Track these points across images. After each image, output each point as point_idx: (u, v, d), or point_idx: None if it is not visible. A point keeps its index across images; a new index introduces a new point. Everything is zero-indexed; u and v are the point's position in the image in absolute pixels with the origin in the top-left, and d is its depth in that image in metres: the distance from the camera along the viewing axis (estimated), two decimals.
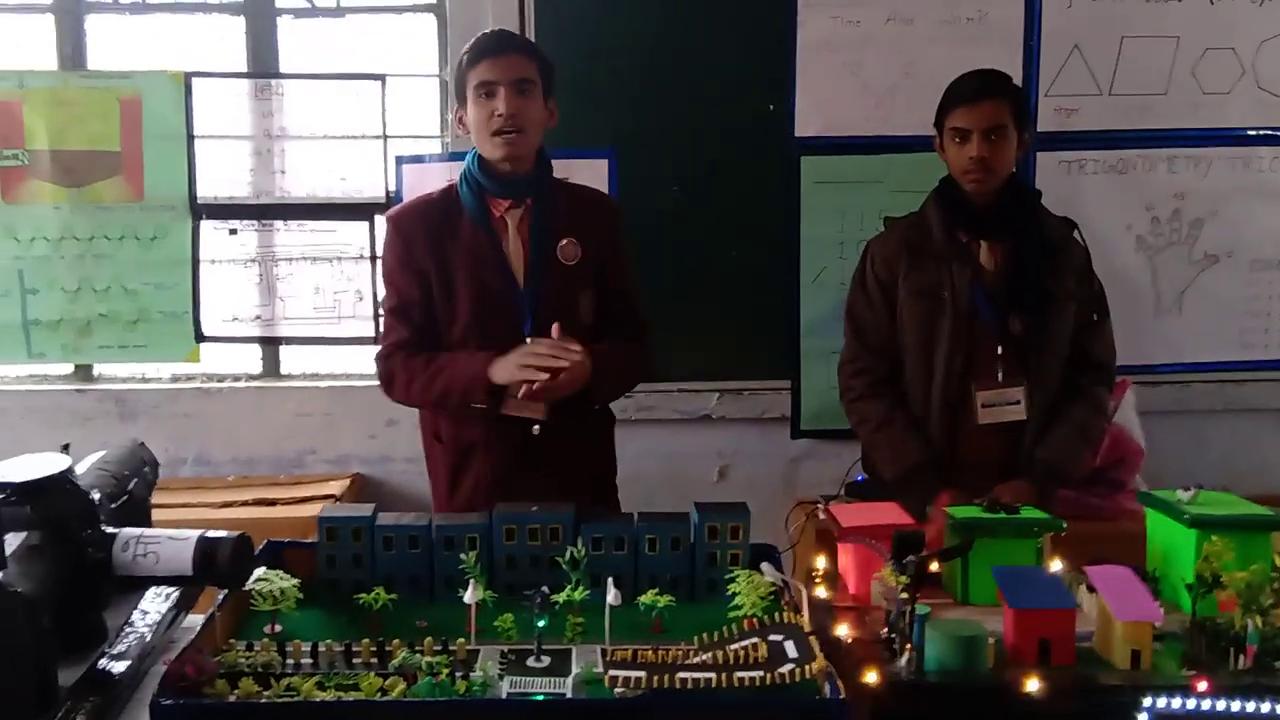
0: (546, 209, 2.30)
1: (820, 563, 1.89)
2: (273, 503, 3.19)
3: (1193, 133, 3.39)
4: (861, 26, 3.29)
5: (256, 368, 3.62)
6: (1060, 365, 2.57)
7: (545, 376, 2.14)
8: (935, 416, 2.54)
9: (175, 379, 3.58)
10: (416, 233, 2.31)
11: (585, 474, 2.34)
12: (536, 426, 2.26)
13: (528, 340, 2.22)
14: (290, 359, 3.63)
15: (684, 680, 1.42)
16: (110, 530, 1.55)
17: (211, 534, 1.55)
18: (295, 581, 1.74)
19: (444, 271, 2.29)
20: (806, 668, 1.43)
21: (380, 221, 3.43)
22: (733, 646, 1.53)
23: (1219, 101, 3.37)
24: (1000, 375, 2.51)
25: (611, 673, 1.43)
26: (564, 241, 2.29)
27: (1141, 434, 3.24)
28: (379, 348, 2.39)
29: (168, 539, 1.54)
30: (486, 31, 2.34)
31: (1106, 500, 3.11)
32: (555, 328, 2.19)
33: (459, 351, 2.28)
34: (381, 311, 2.42)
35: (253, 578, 1.70)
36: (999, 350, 2.51)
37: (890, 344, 2.60)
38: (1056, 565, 1.83)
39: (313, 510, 3.01)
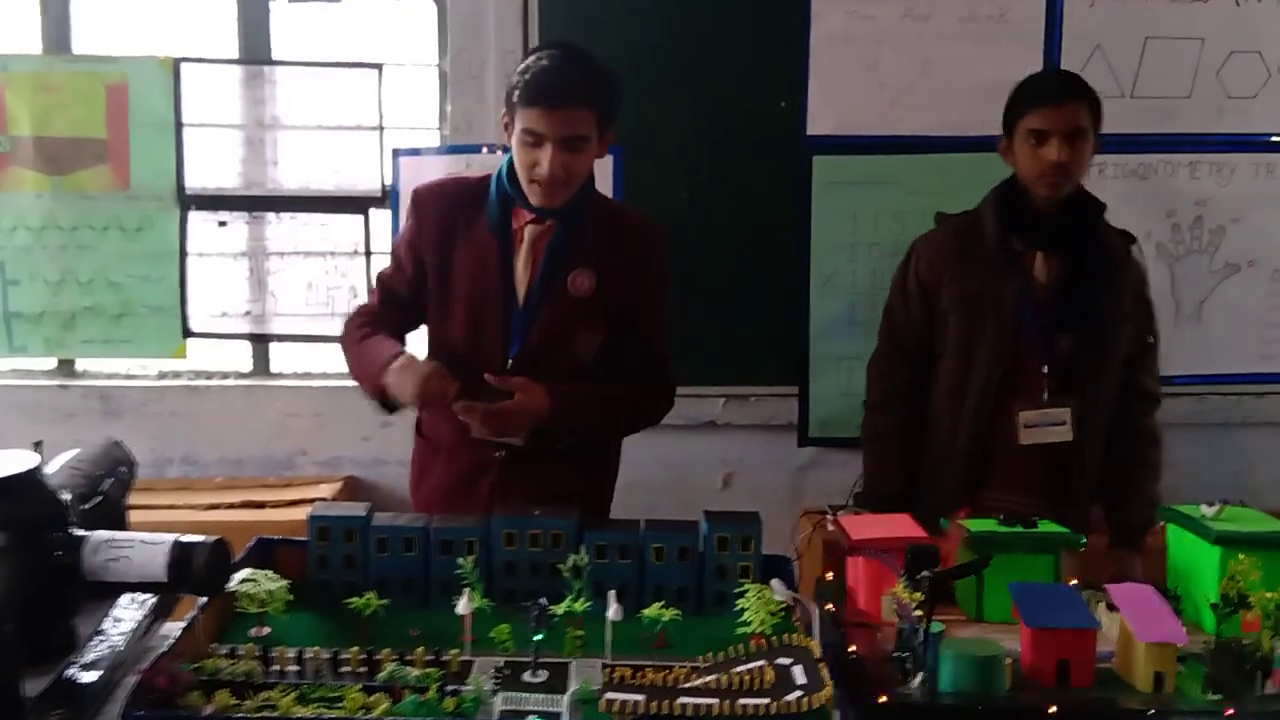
0: (572, 233, 2.14)
1: (828, 574, 1.86)
2: (261, 505, 3.15)
3: (1216, 138, 3.34)
4: (877, 22, 3.24)
5: (246, 365, 3.57)
6: (1113, 390, 2.46)
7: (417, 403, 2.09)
8: (965, 430, 2.44)
9: (161, 376, 3.53)
10: (430, 216, 2.20)
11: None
12: (501, 452, 2.15)
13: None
14: (281, 357, 3.58)
15: (684, 706, 1.36)
16: (80, 533, 1.48)
17: (186, 539, 1.47)
18: (284, 583, 1.70)
19: (444, 265, 2.18)
20: (814, 697, 1.37)
21: (375, 215, 3.42)
22: (738, 669, 1.48)
23: (1244, 106, 3.33)
24: (1045, 395, 2.39)
25: (609, 695, 1.38)
26: (576, 273, 2.14)
27: None
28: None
29: (140, 543, 1.47)
30: (547, 63, 2.04)
31: None
32: (486, 377, 2.08)
33: (383, 340, 2.14)
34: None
35: (239, 577, 1.67)
36: (1045, 369, 2.39)
37: (923, 349, 2.51)
38: (1072, 584, 1.78)
39: (302, 513, 2.92)
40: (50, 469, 1.62)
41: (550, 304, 2.14)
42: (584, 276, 2.14)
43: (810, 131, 3.27)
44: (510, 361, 2.13)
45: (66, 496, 1.53)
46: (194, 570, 1.45)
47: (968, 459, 2.43)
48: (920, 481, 2.50)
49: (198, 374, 3.51)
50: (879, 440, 2.54)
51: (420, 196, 2.23)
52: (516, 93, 2.06)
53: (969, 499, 2.37)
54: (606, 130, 2.11)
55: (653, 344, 2.25)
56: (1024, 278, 2.40)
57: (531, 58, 2.08)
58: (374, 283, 2.32)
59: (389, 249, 3.35)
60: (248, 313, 3.43)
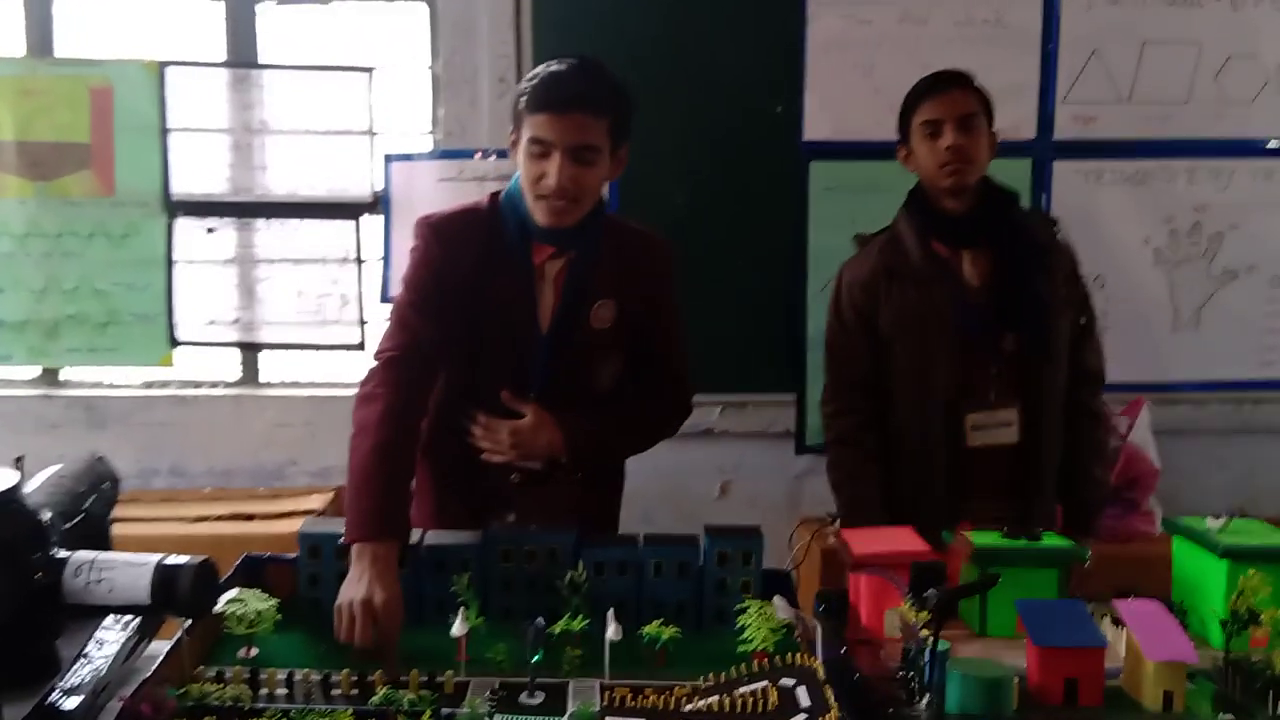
0: (589, 264, 2.08)
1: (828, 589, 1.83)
2: (250, 517, 3.09)
3: (1214, 143, 3.33)
4: (874, 26, 3.23)
5: (234, 374, 3.54)
6: (1063, 379, 2.46)
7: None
8: (934, 445, 2.41)
9: (148, 385, 3.50)
10: (460, 248, 2.07)
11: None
12: (516, 475, 2.10)
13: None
14: (270, 365, 3.55)
15: None
16: (61, 554, 1.43)
17: (170, 560, 1.43)
18: (273, 603, 1.66)
19: (476, 303, 2.07)
20: None
21: (366, 221, 3.38)
22: (740, 690, 1.46)
23: (1242, 111, 3.32)
24: (992, 396, 2.38)
25: (608, 719, 1.37)
26: (598, 304, 2.08)
27: (1156, 453, 3.17)
28: (380, 345, 2.10)
29: (123, 564, 1.43)
30: (557, 70, 1.97)
31: (1120, 522, 3.09)
32: (505, 395, 2.04)
33: (384, 488, 1.90)
34: (384, 316, 2.18)
35: (227, 597, 1.63)
36: (992, 371, 2.37)
37: (871, 378, 2.47)
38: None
39: (292, 526, 2.90)
40: (31, 486, 1.58)
41: (574, 338, 2.09)
42: (606, 308, 2.09)
43: (807, 136, 3.27)
44: (533, 395, 2.07)
45: (48, 515, 1.49)
46: (179, 592, 1.40)
47: (940, 471, 2.40)
48: (895, 503, 2.45)
49: (185, 383, 3.48)
50: (852, 481, 2.48)
51: (445, 226, 2.10)
52: (524, 99, 1.97)
53: (952, 512, 2.32)
54: (619, 147, 2.03)
55: (669, 360, 2.21)
56: (955, 283, 2.39)
57: (542, 66, 2.00)
58: (400, 312, 2.10)
59: (380, 255, 3.33)
60: (236, 321, 3.39)
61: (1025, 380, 2.38)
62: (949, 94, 2.37)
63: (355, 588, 1.71)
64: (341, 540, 1.81)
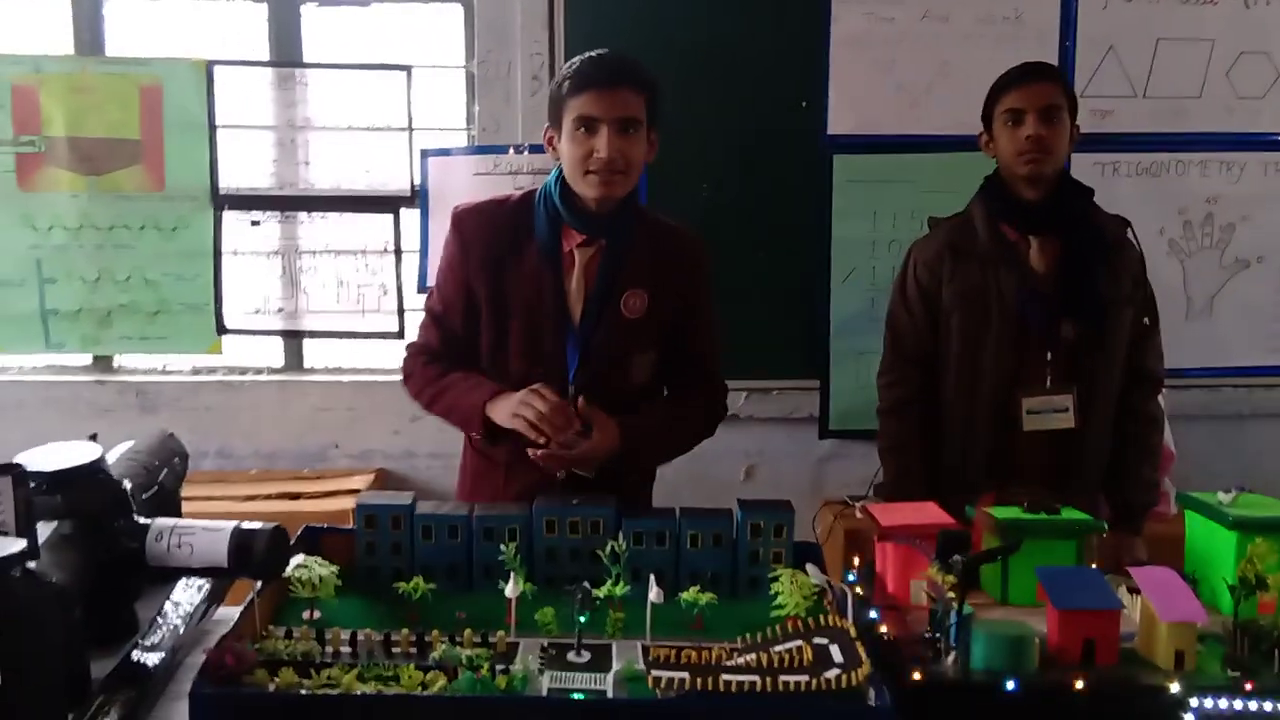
0: (621, 252, 2.11)
1: (855, 560, 1.87)
2: (296, 496, 3.17)
3: (1226, 137, 3.38)
4: (896, 23, 3.28)
5: (279, 361, 3.60)
6: (1117, 374, 2.48)
7: (540, 440, 1.99)
8: (980, 426, 2.45)
9: (196, 371, 3.57)
10: (476, 240, 2.13)
11: None
12: (563, 473, 2.11)
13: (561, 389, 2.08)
14: (313, 353, 3.61)
15: (728, 683, 1.39)
16: (143, 520, 1.53)
17: (247, 525, 1.52)
18: (334, 569, 1.72)
19: (496, 290, 2.11)
20: (853, 673, 1.40)
21: (405, 214, 3.44)
22: (776, 648, 1.51)
23: (1253, 106, 3.36)
24: (1048, 382, 2.41)
25: (654, 673, 1.41)
26: (629, 293, 2.11)
27: (1171, 437, 3.22)
28: (410, 339, 2.28)
29: (202, 530, 1.52)
30: (593, 55, 2.06)
31: None
32: (580, 401, 2.05)
33: (470, 374, 2.12)
34: (421, 306, 2.30)
35: (292, 564, 1.69)
36: (1048, 356, 2.41)
37: (928, 354, 2.51)
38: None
39: (337, 505, 3.02)
40: (109, 459, 1.66)
41: (606, 327, 2.11)
42: (637, 298, 2.12)
43: (830, 131, 3.31)
44: (570, 387, 2.10)
45: (128, 486, 1.57)
46: (255, 555, 1.49)
47: (984, 452, 2.45)
48: (939, 478, 2.49)
49: (232, 369, 3.54)
50: (898, 451, 2.53)
51: (465, 218, 2.17)
52: (566, 84, 2.03)
53: (988, 490, 2.35)
54: (653, 128, 2.10)
55: (706, 360, 2.25)
56: (1021, 268, 2.41)
57: (576, 58, 2.08)
58: (425, 315, 2.23)
59: (417, 248, 3.39)
60: (281, 310, 3.44)
61: (1078, 371, 2.41)
62: (1034, 85, 2.39)
63: (518, 404, 1.99)
64: (475, 432, 2.10)
